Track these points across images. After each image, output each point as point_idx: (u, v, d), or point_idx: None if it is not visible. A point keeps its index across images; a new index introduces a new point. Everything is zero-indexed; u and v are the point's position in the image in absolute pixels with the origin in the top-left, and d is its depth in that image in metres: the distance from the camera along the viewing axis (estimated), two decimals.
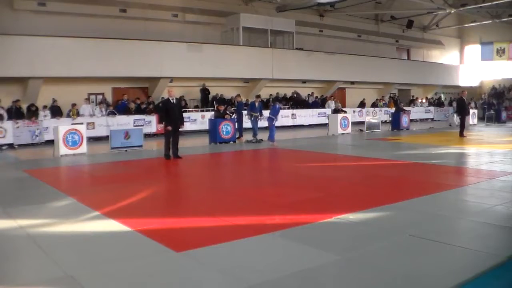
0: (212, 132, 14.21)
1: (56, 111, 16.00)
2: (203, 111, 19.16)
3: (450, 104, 28.52)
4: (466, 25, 30.77)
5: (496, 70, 31.40)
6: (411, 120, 21.25)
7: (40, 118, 15.16)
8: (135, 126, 16.21)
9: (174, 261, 3.84)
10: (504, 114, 25.17)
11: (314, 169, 9.15)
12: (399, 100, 26.12)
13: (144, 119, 17.16)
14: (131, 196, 6.39)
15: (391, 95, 28.87)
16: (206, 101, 20.00)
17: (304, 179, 7.96)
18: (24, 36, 15.51)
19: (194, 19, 20.76)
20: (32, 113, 15.43)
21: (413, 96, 29.19)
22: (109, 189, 7.22)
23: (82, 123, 12.76)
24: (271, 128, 14.07)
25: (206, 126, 15.75)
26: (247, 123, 16.27)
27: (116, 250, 4.20)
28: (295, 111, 21.71)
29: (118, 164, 10.26)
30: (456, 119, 19.74)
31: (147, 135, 16.00)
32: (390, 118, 20.44)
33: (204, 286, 3.39)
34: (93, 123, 15.92)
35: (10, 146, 13.97)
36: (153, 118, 17.28)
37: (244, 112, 16.09)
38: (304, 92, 23.63)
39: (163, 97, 15.50)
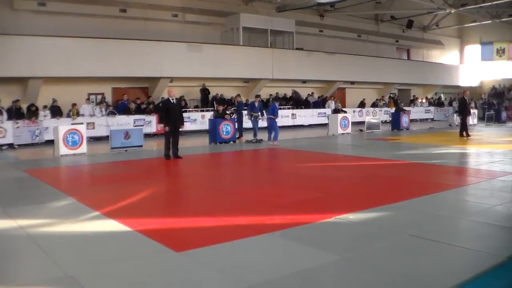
0: (212, 132, 14.21)
1: (56, 111, 15.99)
2: (203, 111, 19.15)
3: (450, 104, 28.55)
4: (466, 25, 30.76)
5: (496, 70, 31.39)
6: (411, 120, 21.25)
7: (40, 118, 15.15)
8: (135, 126, 16.20)
9: (174, 261, 3.84)
10: (504, 114, 25.18)
11: (314, 169, 9.15)
12: (399, 100, 26.08)
13: (144, 119, 17.16)
14: (131, 196, 6.39)
15: (391, 95, 28.87)
16: (206, 101, 19.99)
17: (304, 179, 7.96)
18: (24, 36, 15.51)
19: (194, 19, 20.75)
20: (32, 113, 15.42)
21: (413, 96, 29.20)
22: (109, 189, 7.22)
23: (82, 123, 12.76)
24: (275, 128, 14.04)
25: (206, 126, 15.76)
26: (247, 123, 16.28)
27: (116, 250, 4.21)
28: (295, 111, 21.72)
29: (118, 164, 10.26)
30: (456, 119, 19.75)
31: (147, 135, 15.99)
32: (390, 118, 20.44)
33: (204, 286, 3.39)
34: (93, 123, 15.93)
35: (10, 146, 13.96)
36: (153, 118, 17.28)
37: (244, 112, 16.11)
38: (304, 92, 23.62)
39: (163, 97, 15.49)
